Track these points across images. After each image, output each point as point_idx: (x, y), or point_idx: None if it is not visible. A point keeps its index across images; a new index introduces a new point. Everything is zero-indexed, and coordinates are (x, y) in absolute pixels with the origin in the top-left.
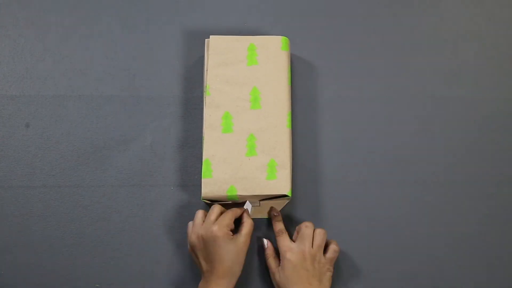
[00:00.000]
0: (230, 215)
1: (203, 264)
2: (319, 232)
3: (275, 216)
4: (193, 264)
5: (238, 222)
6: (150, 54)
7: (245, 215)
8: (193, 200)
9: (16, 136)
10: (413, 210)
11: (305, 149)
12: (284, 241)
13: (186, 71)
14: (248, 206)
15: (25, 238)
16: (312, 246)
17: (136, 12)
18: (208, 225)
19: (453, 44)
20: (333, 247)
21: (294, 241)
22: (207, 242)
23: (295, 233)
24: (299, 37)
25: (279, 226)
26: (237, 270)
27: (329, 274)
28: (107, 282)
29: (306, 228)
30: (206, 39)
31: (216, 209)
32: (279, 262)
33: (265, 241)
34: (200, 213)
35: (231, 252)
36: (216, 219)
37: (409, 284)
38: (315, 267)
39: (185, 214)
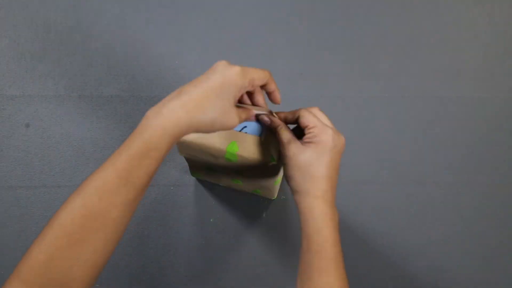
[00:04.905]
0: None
1: None
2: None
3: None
4: (194, 265)
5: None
6: (151, 54)
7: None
8: (194, 199)
9: (16, 136)
10: (413, 210)
11: None
12: (309, 119)
13: (186, 71)
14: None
15: (25, 238)
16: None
17: (136, 12)
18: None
19: (453, 44)
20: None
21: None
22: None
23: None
24: (299, 36)
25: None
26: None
27: None
28: (106, 282)
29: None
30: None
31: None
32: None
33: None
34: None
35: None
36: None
37: (409, 284)
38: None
39: (185, 214)
